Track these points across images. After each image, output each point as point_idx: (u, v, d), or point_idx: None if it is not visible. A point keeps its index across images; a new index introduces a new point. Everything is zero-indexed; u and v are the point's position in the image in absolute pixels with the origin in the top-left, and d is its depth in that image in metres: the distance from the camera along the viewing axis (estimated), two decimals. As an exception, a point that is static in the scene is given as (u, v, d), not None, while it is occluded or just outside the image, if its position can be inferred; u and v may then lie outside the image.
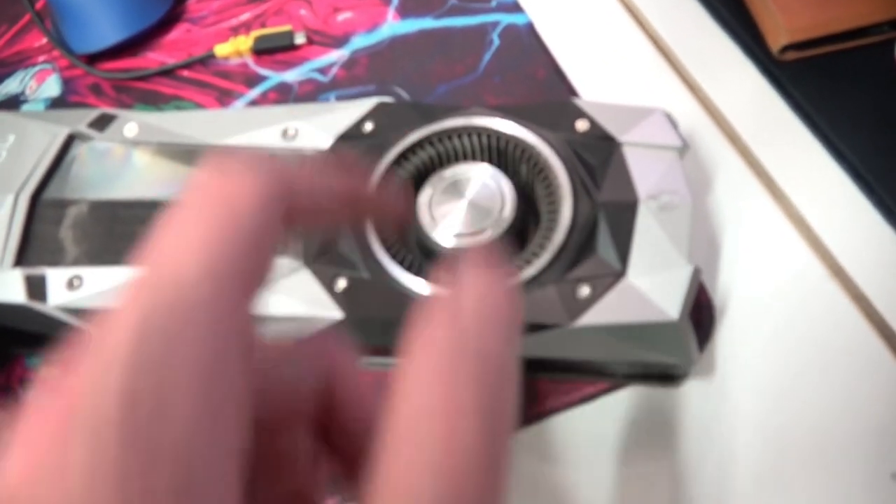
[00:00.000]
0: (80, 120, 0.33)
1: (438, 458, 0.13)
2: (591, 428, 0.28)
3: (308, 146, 0.30)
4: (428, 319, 0.15)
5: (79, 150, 0.33)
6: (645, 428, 0.27)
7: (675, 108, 0.35)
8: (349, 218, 0.19)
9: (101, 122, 0.33)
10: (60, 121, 0.33)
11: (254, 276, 0.14)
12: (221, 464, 0.12)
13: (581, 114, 0.28)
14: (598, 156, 0.27)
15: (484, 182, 0.27)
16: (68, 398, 0.12)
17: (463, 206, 0.27)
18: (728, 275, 0.30)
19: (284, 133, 0.31)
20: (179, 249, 0.14)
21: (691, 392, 0.28)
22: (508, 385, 0.14)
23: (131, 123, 0.33)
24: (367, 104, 0.31)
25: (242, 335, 0.13)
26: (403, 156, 0.29)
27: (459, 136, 0.29)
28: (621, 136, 0.27)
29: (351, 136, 0.30)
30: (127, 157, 0.32)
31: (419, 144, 0.29)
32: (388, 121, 0.30)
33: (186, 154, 0.32)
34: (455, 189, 0.28)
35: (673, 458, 0.27)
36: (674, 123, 0.28)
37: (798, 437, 0.27)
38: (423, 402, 0.14)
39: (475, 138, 0.29)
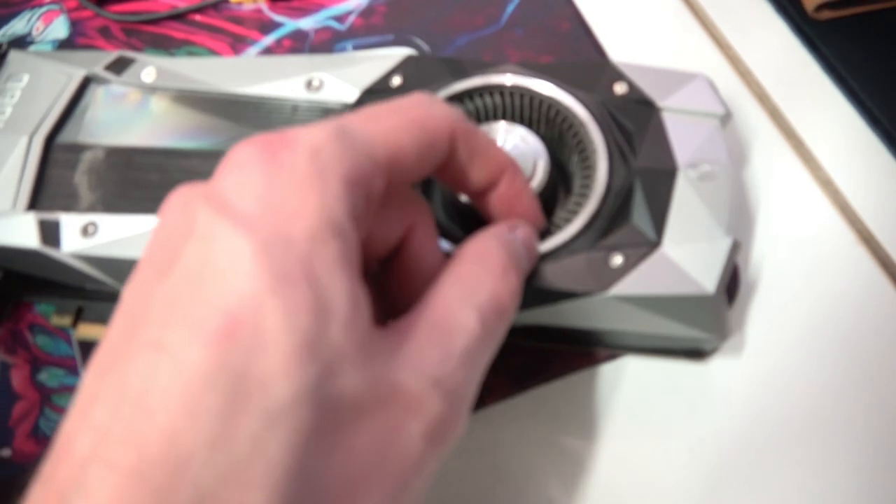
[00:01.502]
0: (96, 62, 0.32)
1: (483, 299, 0.19)
2: (606, 393, 0.28)
3: (333, 99, 0.29)
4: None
5: (95, 92, 0.32)
6: (663, 397, 0.27)
7: (702, 65, 0.34)
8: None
9: (119, 66, 0.32)
10: (76, 62, 0.32)
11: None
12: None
13: (620, 76, 0.27)
14: (635, 120, 0.27)
15: (515, 143, 0.27)
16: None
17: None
18: (759, 246, 0.29)
19: (309, 84, 0.30)
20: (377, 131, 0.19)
21: (717, 365, 0.27)
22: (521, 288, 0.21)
23: (149, 68, 0.31)
24: (395, 57, 0.30)
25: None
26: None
27: (491, 94, 0.28)
28: (661, 101, 0.27)
29: (378, 90, 0.29)
30: (144, 103, 0.31)
31: (451, 101, 0.28)
32: (417, 75, 0.29)
33: (205, 101, 0.31)
34: (486, 148, 0.27)
35: (689, 431, 0.27)
36: (716, 90, 0.27)
37: (824, 411, 0.27)
38: (478, 259, 0.20)
39: (508, 97, 0.28)
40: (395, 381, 0.17)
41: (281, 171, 0.17)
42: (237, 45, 0.39)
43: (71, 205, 0.29)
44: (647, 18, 0.36)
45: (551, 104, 0.28)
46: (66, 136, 0.31)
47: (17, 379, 0.31)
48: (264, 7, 0.40)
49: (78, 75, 0.32)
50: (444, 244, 0.25)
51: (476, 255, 0.20)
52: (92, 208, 0.29)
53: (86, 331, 0.31)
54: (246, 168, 0.17)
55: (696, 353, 0.27)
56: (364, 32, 0.38)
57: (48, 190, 0.29)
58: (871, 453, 0.26)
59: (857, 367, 0.27)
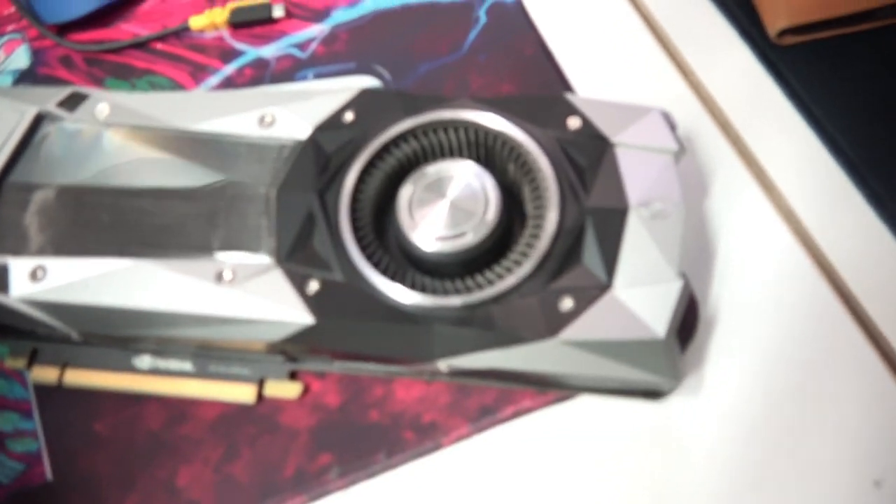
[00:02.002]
0: (49, 98, 0.31)
1: None
2: (563, 433, 0.27)
3: (286, 135, 0.29)
4: None
5: (48, 130, 0.31)
6: (622, 438, 0.27)
7: (665, 91, 0.34)
8: None
9: (72, 102, 0.31)
10: (29, 99, 0.32)
11: None
12: None
13: (573, 110, 0.27)
14: (589, 156, 0.26)
15: (468, 181, 0.26)
16: None
17: (445, 206, 0.26)
18: (719, 279, 0.29)
19: (261, 120, 0.29)
20: None
21: (676, 403, 0.27)
22: None
23: (103, 104, 0.31)
24: (348, 92, 0.29)
25: None
26: (385, 149, 0.28)
27: (445, 130, 0.28)
28: (615, 137, 0.26)
29: (331, 126, 0.29)
30: (97, 140, 0.31)
31: (402, 137, 0.28)
32: (371, 111, 0.29)
33: (159, 138, 0.30)
34: (437, 187, 0.27)
35: (650, 468, 0.26)
36: (672, 124, 0.27)
37: (783, 443, 0.26)
38: None
39: (461, 133, 0.28)
40: None
41: None
42: (198, 73, 0.38)
43: (20, 247, 0.29)
44: (610, 44, 0.36)
45: (505, 140, 0.27)
46: (17, 175, 0.30)
47: (-29, 423, 0.30)
48: (226, 35, 0.40)
49: (30, 112, 0.31)
50: (400, 288, 0.25)
51: None
52: (41, 251, 0.28)
53: (40, 373, 0.30)
54: None
55: (652, 393, 0.27)
56: (326, 60, 0.38)
57: (-3, 232, 0.29)
58: (834, 488, 0.26)
59: (817, 401, 0.27)
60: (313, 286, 0.26)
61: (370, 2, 0.39)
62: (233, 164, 0.29)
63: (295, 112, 0.29)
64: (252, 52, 0.39)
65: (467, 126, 0.28)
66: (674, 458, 0.26)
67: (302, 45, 0.39)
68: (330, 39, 0.38)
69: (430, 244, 0.26)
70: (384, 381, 0.29)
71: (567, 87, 0.35)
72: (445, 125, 0.28)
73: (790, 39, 0.34)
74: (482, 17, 0.38)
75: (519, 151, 0.27)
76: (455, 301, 0.24)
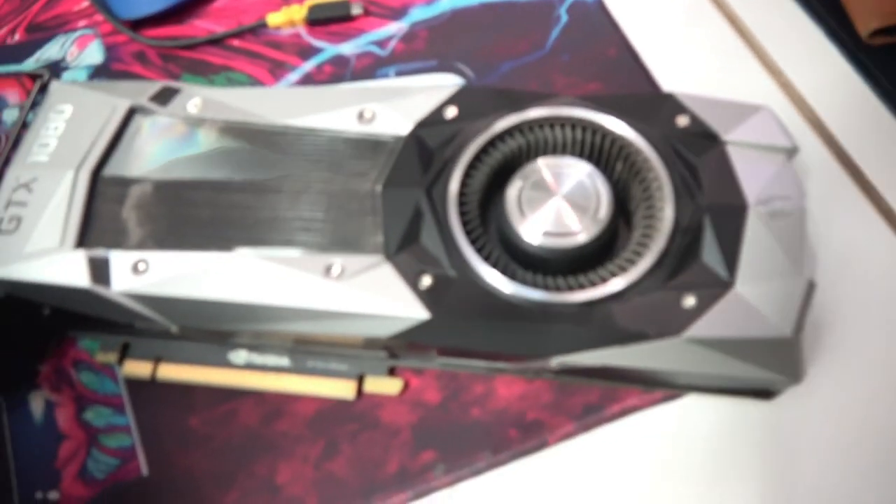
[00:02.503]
0: (141, 93, 0.31)
1: None
2: (670, 433, 0.27)
3: (386, 132, 0.29)
4: None
5: (140, 123, 0.31)
6: (730, 439, 0.27)
7: (754, 92, 0.34)
8: None
9: (164, 96, 0.31)
10: (120, 93, 0.32)
11: None
12: None
13: (682, 109, 0.27)
14: (700, 154, 0.26)
15: (580, 179, 0.26)
16: None
17: (555, 203, 0.26)
18: (821, 282, 0.29)
19: (360, 116, 0.29)
20: None
21: (785, 403, 0.27)
22: None
23: (195, 98, 0.31)
24: (448, 88, 0.29)
25: None
26: (491, 144, 0.28)
27: (552, 126, 0.28)
28: (725, 135, 0.26)
29: (432, 122, 0.29)
30: (190, 134, 0.31)
31: (508, 133, 0.28)
32: (472, 107, 0.28)
33: (254, 133, 0.30)
34: (548, 184, 0.26)
35: (760, 469, 0.26)
36: (781, 123, 0.27)
37: (893, 446, 0.26)
38: None
39: (568, 130, 0.27)
40: None
41: None
42: (277, 70, 0.38)
43: (120, 241, 0.28)
44: (695, 43, 0.36)
45: (614, 139, 0.27)
46: (112, 170, 0.30)
47: (63, 418, 0.30)
48: (303, 32, 0.39)
49: (122, 106, 0.31)
50: (516, 285, 0.25)
51: None
52: (141, 244, 0.28)
53: (132, 368, 0.30)
54: None
55: (763, 392, 0.26)
56: (406, 58, 0.38)
57: (96, 225, 0.29)
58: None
59: (930, 406, 0.26)
60: (426, 281, 0.25)
61: (447, 0, 0.39)
62: (332, 159, 0.29)
63: (395, 108, 0.29)
64: (331, 49, 0.39)
65: (575, 122, 0.27)
66: (784, 458, 0.26)
67: (381, 43, 0.38)
68: (409, 37, 0.38)
69: (541, 240, 0.26)
70: (484, 378, 0.28)
71: (654, 87, 0.35)
72: (552, 121, 0.28)
73: (881, 40, 0.34)
74: (563, 16, 0.38)
75: (629, 150, 0.27)
76: (574, 298, 0.24)
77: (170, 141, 0.31)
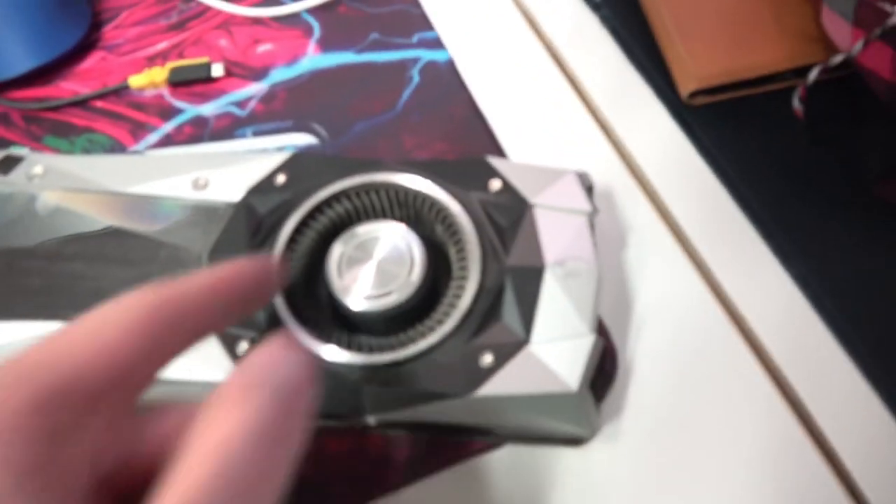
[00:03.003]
0: (-19, 162, 0.32)
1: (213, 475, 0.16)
2: (493, 481, 0.28)
3: (219, 198, 0.30)
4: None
5: (-20, 194, 0.32)
6: (548, 484, 0.28)
7: (589, 150, 0.36)
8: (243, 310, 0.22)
9: (6, 164, 0.32)
10: (-40, 163, 0.32)
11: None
12: None
13: (494, 173, 0.29)
14: (509, 217, 0.28)
15: (394, 242, 0.27)
16: None
17: (372, 266, 0.27)
18: (636, 330, 0.31)
19: (195, 183, 0.30)
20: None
21: (595, 450, 0.28)
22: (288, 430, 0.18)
23: (37, 167, 0.32)
24: (280, 156, 0.30)
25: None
26: (317, 209, 0.29)
27: (376, 192, 0.29)
28: (533, 198, 0.28)
29: (262, 189, 0.30)
30: (31, 202, 0.31)
31: (334, 199, 0.29)
32: (302, 173, 0.30)
33: (94, 201, 0.31)
34: (366, 248, 0.28)
35: (576, 511, 0.28)
36: (587, 185, 0.29)
37: (694, 487, 0.28)
38: (204, 434, 0.17)
39: (391, 194, 0.29)
40: None
41: None
42: (137, 131, 0.39)
43: (-48, 311, 0.29)
44: (537, 104, 0.38)
45: (432, 203, 0.28)
46: (-50, 239, 0.31)
47: None
48: (166, 93, 0.40)
49: (-36, 175, 0.32)
50: (330, 347, 0.26)
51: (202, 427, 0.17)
52: (-28, 314, 0.29)
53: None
54: None
55: (574, 440, 0.28)
56: (264, 118, 0.39)
57: (-72, 297, 0.29)
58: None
59: (732, 444, 0.28)
60: (243, 346, 0.26)
61: (308, 61, 0.41)
62: (167, 226, 0.30)
63: (228, 175, 0.30)
64: (191, 110, 0.40)
65: (395, 189, 0.29)
66: (596, 501, 0.28)
67: (241, 104, 0.40)
68: (268, 98, 0.40)
69: (357, 303, 0.27)
70: (314, 434, 0.29)
71: (497, 146, 0.36)
72: (375, 188, 0.29)
73: (701, 100, 0.36)
74: (415, 77, 0.39)
75: (445, 213, 0.28)
76: (382, 358, 0.25)
77: (9, 210, 0.31)
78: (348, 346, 0.26)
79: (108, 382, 0.17)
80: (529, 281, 0.26)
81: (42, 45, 0.41)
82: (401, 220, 0.29)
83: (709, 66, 0.36)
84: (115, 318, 0.18)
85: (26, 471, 0.15)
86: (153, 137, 0.39)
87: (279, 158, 0.30)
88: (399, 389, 0.25)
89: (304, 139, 0.38)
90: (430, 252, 0.28)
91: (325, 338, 0.26)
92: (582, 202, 0.28)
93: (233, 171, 0.30)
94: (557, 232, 0.27)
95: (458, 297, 0.27)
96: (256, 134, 0.38)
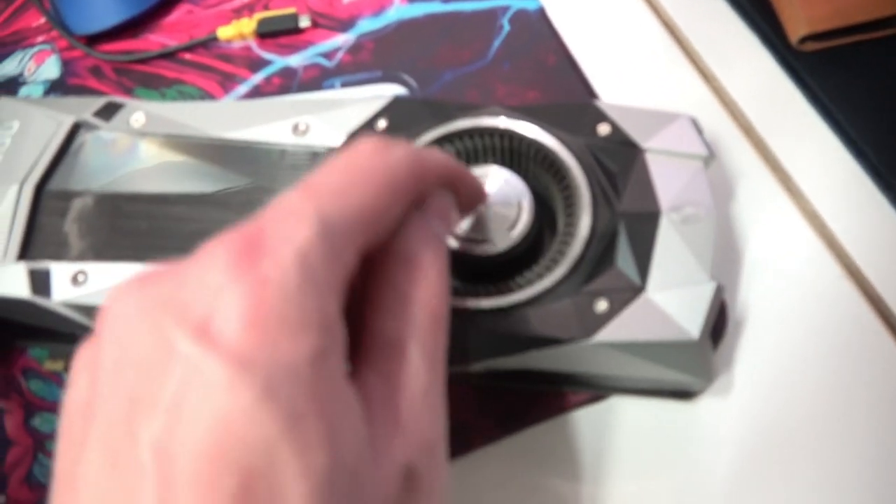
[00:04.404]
0: (85, 108, 0.32)
1: (422, 328, 0.19)
2: (593, 434, 0.28)
3: (319, 143, 0.30)
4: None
5: (84, 139, 0.32)
6: (652, 437, 0.27)
7: (689, 98, 0.35)
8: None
9: (108, 111, 0.32)
10: (65, 108, 0.32)
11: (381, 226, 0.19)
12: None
13: (603, 117, 0.28)
14: (619, 162, 0.27)
15: (500, 186, 0.27)
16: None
17: (479, 210, 0.27)
18: (746, 283, 0.29)
19: (295, 128, 0.30)
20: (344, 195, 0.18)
21: (705, 404, 0.28)
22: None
23: (138, 113, 0.32)
24: (380, 100, 0.30)
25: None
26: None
27: (479, 136, 0.28)
28: (644, 143, 0.27)
29: (363, 134, 0.29)
30: (133, 148, 0.31)
31: (436, 143, 0.28)
32: (403, 118, 0.29)
33: (194, 146, 0.31)
34: (471, 192, 0.27)
35: (677, 471, 0.27)
36: (699, 130, 0.27)
37: (807, 444, 0.27)
38: (406, 271, 0.19)
39: (493, 139, 0.28)
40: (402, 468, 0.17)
41: (267, 288, 0.15)
42: (227, 83, 0.39)
43: (61, 253, 0.29)
44: (632, 51, 0.36)
45: (537, 147, 0.28)
46: (56, 184, 0.31)
47: (11, 424, 0.31)
48: (253, 45, 0.40)
49: (67, 122, 0.32)
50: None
51: (403, 265, 0.20)
52: (81, 256, 0.29)
53: (78, 377, 0.31)
54: (226, 285, 0.15)
55: (683, 393, 0.27)
56: (352, 69, 0.38)
57: (38, 238, 0.30)
58: (862, 488, 0.26)
59: (844, 402, 0.27)
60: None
61: (394, 11, 0.40)
62: (267, 171, 0.30)
63: (328, 121, 0.30)
64: (279, 61, 0.39)
65: (500, 133, 0.28)
66: (702, 456, 0.27)
67: (328, 55, 0.39)
68: (356, 48, 0.39)
69: (461, 246, 0.26)
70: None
71: (592, 94, 0.35)
72: (479, 132, 0.28)
73: (811, 46, 0.35)
74: (505, 26, 0.38)
75: (551, 158, 0.27)
76: (491, 303, 0.25)
77: (113, 155, 0.32)
78: (453, 292, 0.26)
79: (364, 224, 0.18)
80: (644, 227, 0.25)
81: (131, -3, 0.41)
82: (503, 165, 0.29)
83: (820, 9, 0.34)
84: (383, 167, 0.19)
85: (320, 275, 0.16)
86: (242, 89, 0.39)
87: (379, 104, 0.30)
88: (508, 336, 0.25)
89: (393, 89, 0.37)
90: (536, 199, 0.27)
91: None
92: (698, 146, 0.27)
93: (332, 116, 0.30)
94: (672, 177, 0.26)
95: (566, 243, 0.26)
96: (345, 85, 0.38)
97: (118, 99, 0.33)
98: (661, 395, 0.27)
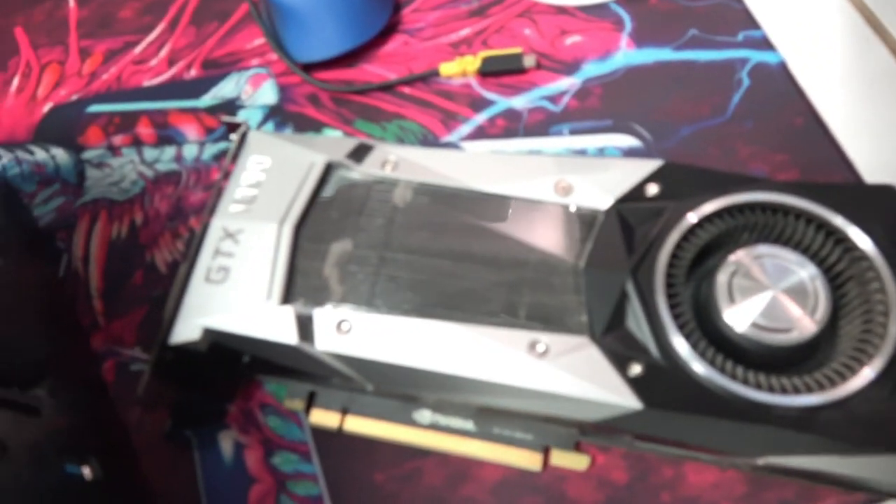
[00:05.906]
0: (337, 148, 0.32)
1: None
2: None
3: (584, 204, 0.29)
4: None
5: (336, 179, 0.32)
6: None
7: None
8: None
9: (359, 153, 0.32)
10: (317, 148, 0.33)
11: None
12: None
13: (905, 204, 0.26)
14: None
15: (799, 275, 0.26)
16: None
17: (768, 295, 0.26)
18: None
19: (556, 186, 0.30)
20: None
21: None
22: None
23: (391, 156, 0.32)
24: (650, 165, 0.29)
25: None
26: (698, 226, 0.27)
27: (763, 211, 0.27)
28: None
29: (632, 198, 0.29)
30: (386, 193, 0.31)
31: (716, 215, 0.27)
32: (675, 185, 0.28)
33: (449, 196, 0.31)
34: (764, 274, 0.26)
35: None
36: None
37: None
38: None
39: (779, 216, 0.27)
40: None
41: None
42: (449, 121, 0.39)
43: (321, 298, 0.29)
44: (887, 110, 0.35)
45: (830, 230, 0.26)
46: (311, 226, 0.31)
47: (252, 460, 0.31)
48: (474, 83, 0.40)
49: (320, 162, 0.32)
50: (720, 376, 0.24)
51: None
52: (343, 303, 0.29)
53: (320, 417, 0.31)
54: None
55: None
56: (579, 115, 0.38)
57: (299, 281, 0.30)
58: None
59: None
60: (636, 369, 0.25)
61: (622, 56, 0.39)
62: (528, 229, 0.29)
63: (592, 182, 0.29)
64: (502, 101, 0.39)
65: (787, 210, 0.27)
66: None
67: (553, 98, 0.39)
68: (583, 94, 0.38)
69: (745, 328, 0.25)
70: (674, 461, 0.28)
71: (846, 162, 0.34)
72: (763, 206, 0.27)
73: None
74: (745, 80, 0.37)
75: (849, 247, 0.26)
76: (796, 401, 0.24)
77: (365, 199, 0.32)
78: (753, 384, 0.25)
79: None
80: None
81: (354, 29, 0.41)
82: (780, 243, 0.28)
83: None
84: None
85: None
86: (465, 129, 0.39)
87: (648, 168, 0.29)
88: (812, 437, 0.24)
89: (625, 140, 0.37)
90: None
91: (724, 370, 0.25)
92: None
93: (597, 177, 0.29)
94: None
95: (867, 342, 0.25)
96: (573, 132, 0.37)
97: (368, 141, 0.33)
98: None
